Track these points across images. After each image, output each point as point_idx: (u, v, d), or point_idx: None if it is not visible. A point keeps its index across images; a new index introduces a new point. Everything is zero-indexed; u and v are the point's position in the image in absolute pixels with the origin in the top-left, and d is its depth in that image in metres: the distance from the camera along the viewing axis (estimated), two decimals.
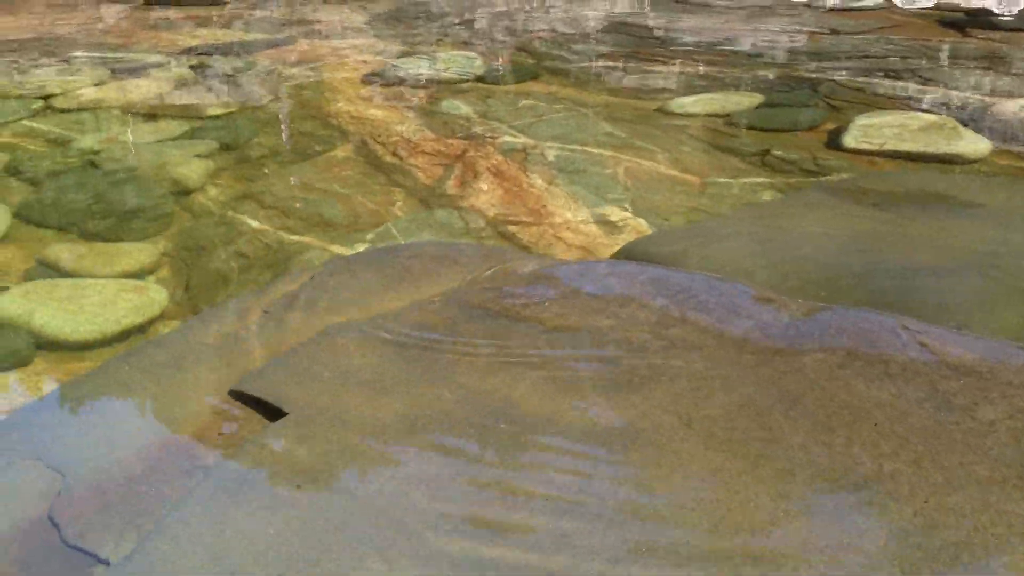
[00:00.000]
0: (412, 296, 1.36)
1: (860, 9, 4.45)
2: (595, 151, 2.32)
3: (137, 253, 1.73)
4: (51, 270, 1.67)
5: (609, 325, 1.20)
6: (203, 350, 1.24)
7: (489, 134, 2.45)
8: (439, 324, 1.24)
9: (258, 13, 4.95)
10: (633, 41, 3.88)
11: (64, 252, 1.71)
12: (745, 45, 3.72)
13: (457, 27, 4.37)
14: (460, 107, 2.77)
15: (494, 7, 5.00)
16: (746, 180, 2.15)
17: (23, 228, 1.87)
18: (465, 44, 3.90)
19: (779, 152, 2.30)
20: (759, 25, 4.16)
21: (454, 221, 1.90)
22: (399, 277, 1.44)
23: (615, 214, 1.94)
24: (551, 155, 2.28)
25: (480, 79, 3.18)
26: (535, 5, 5.06)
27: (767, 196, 2.04)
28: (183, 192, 2.08)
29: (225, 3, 5.30)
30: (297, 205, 1.99)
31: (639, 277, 1.35)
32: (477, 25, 4.43)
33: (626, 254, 1.63)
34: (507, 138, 2.41)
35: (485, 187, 2.09)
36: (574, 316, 1.24)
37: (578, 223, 1.90)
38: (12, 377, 1.33)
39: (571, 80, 3.18)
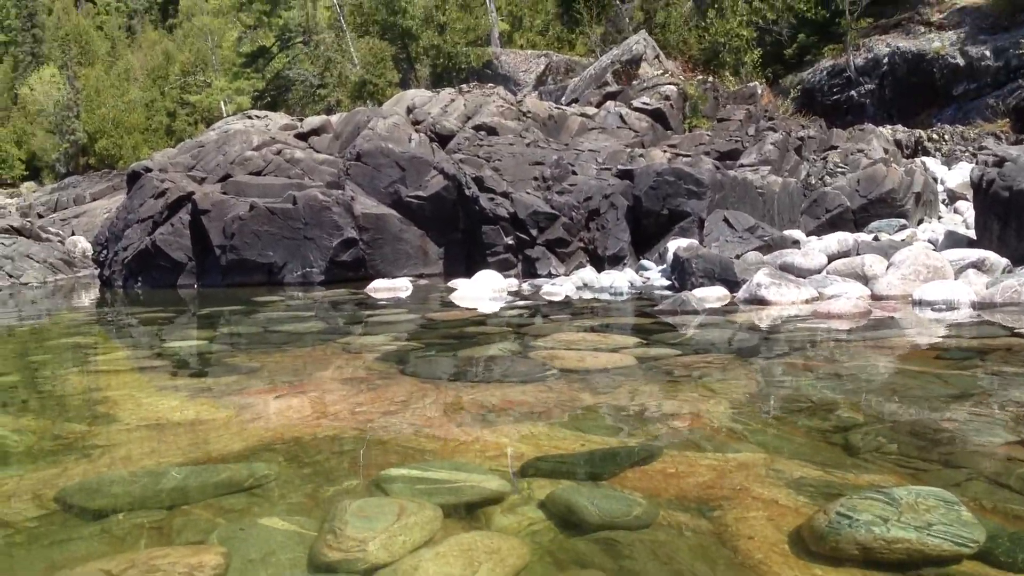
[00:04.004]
0: None
1: None
2: None
3: None
4: None
5: None
6: None
7: None
8: None
9: (587, 396, 4.32)
10: None
11: None
12: None
13: (873, 428, 3.48)
14: None
15: (900, 393, 4.12)
16: None
17: None
18: (907, 465, 2.99)
19: None
20: None
21: None
22: None
23: None
24: None
25: (987, 554, 2.21)
26: (972, 389, 4.12)
27: None
28: None
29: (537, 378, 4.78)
30: None
31: None
32: (899, 425, 3.53)
33: None
34: None
35: None
36: None
37: None
38: None
39: None
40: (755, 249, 10.32)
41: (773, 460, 3.14)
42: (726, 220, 11.10)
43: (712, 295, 8.18)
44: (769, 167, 13.82)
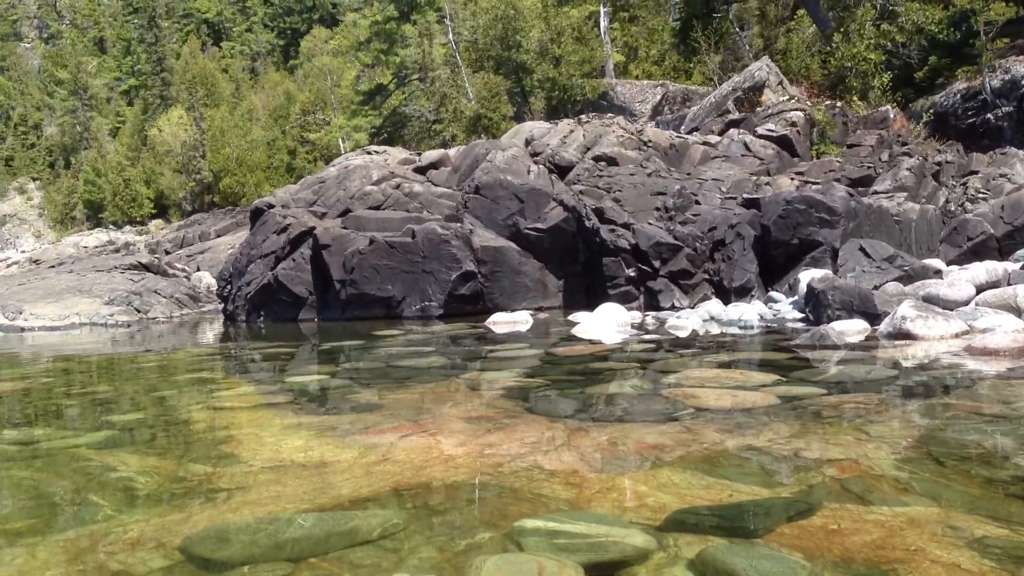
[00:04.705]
0: None
1: None
2: None
3: None
4: None
5: None
6: None
7: None
8: None
9: (729, 439, 4.06)
10: None
11: None
12: None
13: None
14: None
15: None
16: None
17: None
18: None
19: None
20: None
21: None
22: None
23: None
24: None
25: None
26: None
27: None
28: None
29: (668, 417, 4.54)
30: None
31: None
32: None
33: None
34: None
35: None
36: None
37: None
38: None
39: None
40: (894, 280, 9.83)
41: (949, 515, 2.84)
42: (862, 249, 10.62)
43: (851, 328, 7.78)
44: (905, 193, 13.23)
